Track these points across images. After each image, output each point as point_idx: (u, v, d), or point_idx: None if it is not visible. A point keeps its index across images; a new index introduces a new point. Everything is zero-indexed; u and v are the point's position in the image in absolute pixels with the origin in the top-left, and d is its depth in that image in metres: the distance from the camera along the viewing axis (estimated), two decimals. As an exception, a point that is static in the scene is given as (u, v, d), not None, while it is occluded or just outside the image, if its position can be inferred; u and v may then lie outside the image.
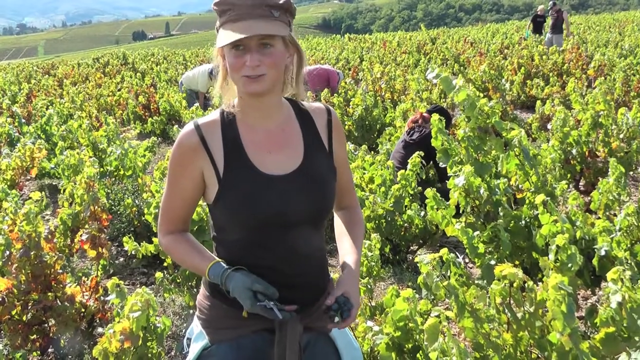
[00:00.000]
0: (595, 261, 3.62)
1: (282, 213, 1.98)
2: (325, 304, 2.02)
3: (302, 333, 2.07)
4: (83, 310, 4.09)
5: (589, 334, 3.73)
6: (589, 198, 5.20)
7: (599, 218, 4.68)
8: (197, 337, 2.18)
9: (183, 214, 2.13)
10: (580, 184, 7.11)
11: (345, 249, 2.19)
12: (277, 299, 1.95)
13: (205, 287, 2.18)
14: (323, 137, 2.15)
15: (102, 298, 4.22)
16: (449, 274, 3.35)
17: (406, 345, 2.93)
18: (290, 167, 2.05)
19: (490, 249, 3.78)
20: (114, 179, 8.02)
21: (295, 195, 2.01)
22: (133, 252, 4.78)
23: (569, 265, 3.03)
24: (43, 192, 5.92)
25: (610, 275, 2.58)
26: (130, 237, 4.86)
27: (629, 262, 3.62)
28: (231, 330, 2.09)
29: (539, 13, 21.00)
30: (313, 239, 2.10)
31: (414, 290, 2.89)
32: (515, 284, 2.49)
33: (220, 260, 2.04)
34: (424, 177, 5.70)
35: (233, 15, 1.89)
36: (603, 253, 3.57)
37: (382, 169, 6.00)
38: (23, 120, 11.70)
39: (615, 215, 4.83)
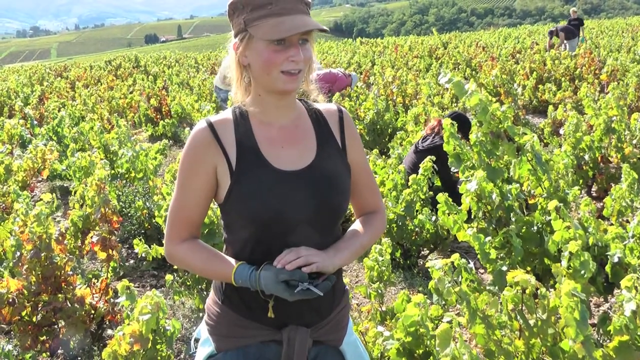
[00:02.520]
0: (608, 268, 3.59)
1: (293, 209, 1.95)
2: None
3: (311, 347, 2.06)
4: (93, 312, 4.09)
5: (602, 342, 3.70)
6: (602, 204, 5.17)
7: (612, 224, 4.65)
8: (204, 342, 2.14)
9: (197, 216, 2.06)
10: (593, 189, 7.07)
11: (341, 239, 2.11)
12: (306, 280, 1.89)
13: (215, 293, 2.13)
14: (336, 134, 2.12)
15: (112, 300, 4.22)
16: (460, 280, 3.33)
17: (417, 351, 2.91)
18: (303, 162, 2.02)
19: (502, 254, 3.76)
20: (124, 181, 8.05)
21: (306, 191, 1.98)
22: (143, 255, 4.77)
23: (582, 272, 3.00)
24: (54, 194, 5.94)
25: (624, 282, 2.56)
26: (140, 240, 4.85)
27: (643, 269, 3.59)
28: (238, 339, 2.05)
29: (572, 16, 20.79)
30: (326, 240, 2.04)
31: (425, 296, 2.87)
32: (527, 291, 2.47)
33: (241, 262, 1.98)
34: (435, 182, 5.67)
35: (277, 9, 1.87)
36: (616, 260, 3.54)
37: (393, 173, 5.98)
38: (35, 122, 11.79)
39: (628, 221, 4.79)
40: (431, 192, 5.55)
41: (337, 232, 2.12)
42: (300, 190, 1.97)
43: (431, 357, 2.84)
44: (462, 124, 5.57)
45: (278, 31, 1.86)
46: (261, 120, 2.03)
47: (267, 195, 1.94)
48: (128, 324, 2.98)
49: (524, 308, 2.53)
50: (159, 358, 3.16)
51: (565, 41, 19.27)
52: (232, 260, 2.00)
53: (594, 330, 3.88)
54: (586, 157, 6.71)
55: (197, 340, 2.21)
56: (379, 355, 3.21)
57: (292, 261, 1.89)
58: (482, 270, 5.47)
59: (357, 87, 12.54)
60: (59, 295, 3.92)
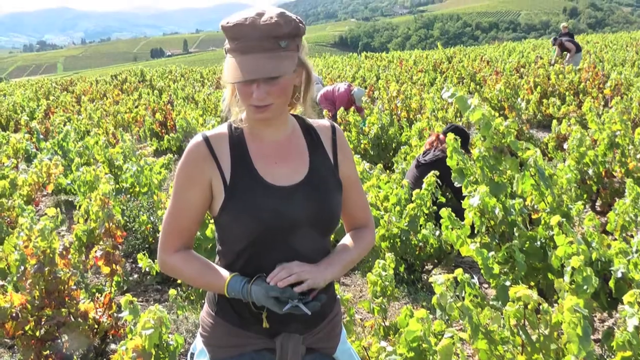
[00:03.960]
0: (611, 283, 3.58)
1: (285, 223, 1.99)
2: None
3: (304, 354, 2.09)
4: (96, 326, 4.09)
5: (605, 357, 3.68)
6: (606, 219, 5.16)
7: (616, 239, 4.63)
8: (199, 353, 2.18)
9: (191, 228, 2.11)
10: (597, 204, 7.06)
11: (331, 254, 2.15)
12: (296, 297, 1.93)
13: (209, 305, 2.18)
14: (328, 150, 2.17)
15: (115, 314, 4.22)
16: (463, 295, 3.33)
17: (419, 367, 2.90)
18: (295, 178, 2.06)
19: (505, 269, 3.76)
20: (129, 195, 8.05)
21: (299, 206, 2.01)
22: (147, 269, 4.79)
23: (585, 287, 2.99)
24: (59, 208, 5.96)
25: (626, 298, 2.55)
26: (144, 254, 4.86)
27: (646, 284, 3.57)
28: (233, 349, 2.09)
29: (563, 31, 20.80)
30: (317, 253, 2.08)
31: (428, 311, 2.87)
32: (530, 306, 2.47)
33: (234, 274, 2.02)
34: (439, 197, 5.66)
35: (241, 45, 1.89)
36: (619, 275, 3.53)
37: (397, 188, 5.98)
38: (41, 136, 11.81)
39: (632, 236, 4.78)
40: (435, 207, 5.54)
41: (328, 245, 2.16)
42: (293, 206, 2.01)
43: (434, 373, 2.83)
44: (460, 136, 5.59)
45: (232, 75, 1.90)
46: (255, 135, 2.08)
47: (260, 211, 1.98)
48: (131, 339, 2.97)
49: (526, 323, 2.53)
50: (161, 373, 3.15)
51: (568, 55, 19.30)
52: (225, 272, 2.04)
53: (598, 346, 3.86)
54: (590, 171, 6.70)
55: (193, 355, 2.24)
56: (382, 370, 3.20)
57: (284, 279, 1.93)
58: (485, 285, 5.45)
59: (362, 101, 12.50)
60: (63, 309, 3.92)
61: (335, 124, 2.23)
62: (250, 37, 1.87)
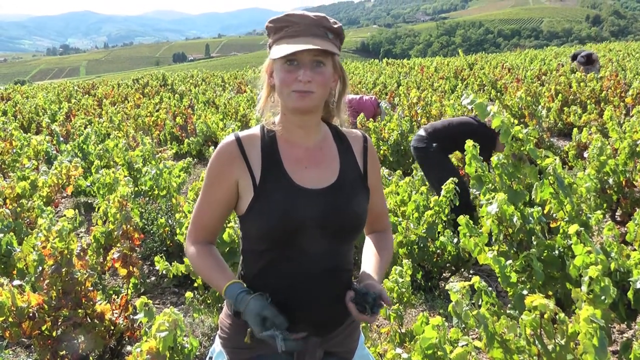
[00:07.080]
0: (630, 294, 3.54)
1: (312, 226, 2.01)
2: (350, 297, 2.02)
3: (322, 358, 2.11)
4: (112, 328, 4.11)
5: (623, 368, 3.64)
6: (625, 229, 5.10)
7: (635, 250, 4.58)
8: (217, 355, 2.20)
9: (212, 223, 2.16)
10: (617, 214, 6.99)
11: (368, 262, 2.22)
12: (287, 327, 1.94)
13: (227, 306, 2.20)
14: (359, 160, 2.20)
15: (131, 316, 4.24)
16: (480, 303, 3.31)
17: (434, 374, 2.88)
18: (325, 182, 2.09)
19: (522, 278, 3.73)
20: (148, 198, 8.09)
21: (326, 210, 2.04)
22: (164, 272, 4.80)
23: (603, 297, 2.96)
24: (77, 210, 5.99)
25: (644, 309, 2.52)
26: (161, 257, 4.88)
27: (666, 296, 3.53)
28: (251, 350, 2.10)
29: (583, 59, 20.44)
30: (341, 256, 2.12)
31: (445, 318, 2.85)
32: (546, 315, 2.45)
33: (238, 281, 2.06)
34: (457, 204, 5.62)
35: (290, 31, 1.97)
36: (639, 286, 3.49)
37: (415, 194, 5.96)
38: (61, 139, 11.90)
39: (652, 247, 4.71)
40: (453, 215, 5.51)
41: (351, 250, 2.20)
42: (320, 208, 2.03)
43: (448, 381, 2.81)
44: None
45: (284, 50, 1.94)
46: (287, 139, 2.11)
47: (288, 213, 2.01)
48: (146, 341, 2.99)
49: (542, 333, 2.51)
50: (175, 376, 3.16)
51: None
52: (232, 276, 2.08)
53: (616, 357, 3.82)
54: (610, 180, 6.64)
55: (211, 358, 2.26)
56: (397, 377, 3.18)
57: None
58: (504, 294, 5.41)
59: (385, 108, 12.43)
60: (79, 310, 3.94)
61: (367, 135, 2.28)
62: (300, 23, 1.97)
